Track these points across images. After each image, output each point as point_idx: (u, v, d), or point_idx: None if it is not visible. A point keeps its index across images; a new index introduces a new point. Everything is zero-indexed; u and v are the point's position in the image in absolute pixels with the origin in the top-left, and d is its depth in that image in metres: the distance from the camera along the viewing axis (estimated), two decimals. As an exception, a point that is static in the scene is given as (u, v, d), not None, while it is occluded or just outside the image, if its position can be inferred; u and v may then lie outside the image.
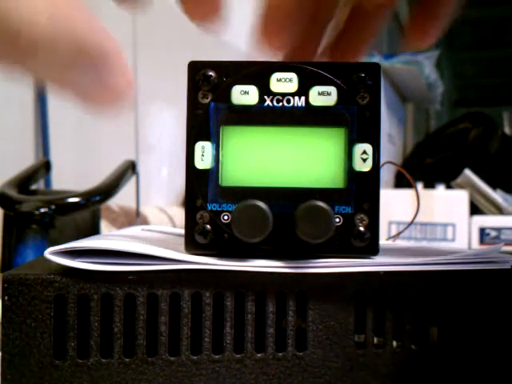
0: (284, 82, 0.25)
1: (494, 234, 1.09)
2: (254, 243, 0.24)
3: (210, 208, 0.25)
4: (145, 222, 0.94)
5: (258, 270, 0.24)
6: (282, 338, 0.24)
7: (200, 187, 0.25)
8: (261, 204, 0.23)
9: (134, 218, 0.91)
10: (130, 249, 0.23)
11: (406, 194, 1.12)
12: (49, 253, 0.23)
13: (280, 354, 0.24)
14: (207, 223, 0.25)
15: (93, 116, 0.19)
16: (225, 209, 0.25)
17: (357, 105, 0.25)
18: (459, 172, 1.25)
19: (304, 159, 0.25)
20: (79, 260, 0.23)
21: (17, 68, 0.17)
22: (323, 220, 0.23)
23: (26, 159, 0.80)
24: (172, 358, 0.24)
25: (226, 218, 0.25)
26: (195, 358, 0.24)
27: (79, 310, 0.23)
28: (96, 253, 0.24)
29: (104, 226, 0.83)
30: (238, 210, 0.23)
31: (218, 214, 0.25)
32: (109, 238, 0.27)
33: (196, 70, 0.25)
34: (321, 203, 0.23)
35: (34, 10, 0.16)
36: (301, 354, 0.24)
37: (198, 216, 0.25)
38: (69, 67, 0.17)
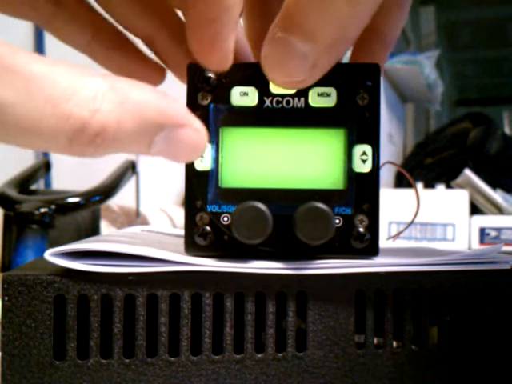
0: None
1: (494, 233, 1.09)
2: (253, 245, 0.24)
3: (209, 209, 0.25)
4: (145, 222, 0.94)
5: (258, 271, 0.24)
6: (282, 339, 0.24)
7: (200, 189, 0.25)
8: (261, 205, 0.23)
9: (134, 218, 0.91)
10: (130, 251, 0.23)
11: (406, 193, 1.12)
12: (49, 254, 0.23)
13: (280, 355, 0.24)
14: (207, 225, 0.25)
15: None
16: (225, 210, 0.25)
17: (356, 106, 0.25)
18: (459, 172, 1.25)
19: (304, 160, 0.25)
20: (79, 262, 0.23)
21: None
22: (323, 221, 0.23)
23: (26, 159, 0.80)
24: (172, 359, 0.24)
25: (225, 219, 0.25)
26: (195, 358, 0.24)
27: (79, 310, 0.23)
28: (96, 254, 0.24)
29: (104, 225, 0.83)
30: (237, 211, 0.23)
31: (217, 215, 0.25)
32: (108, 239, 0.27)
33: (195, 71, 0.25)
34: (320, 204, 0.23)
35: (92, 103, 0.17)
36: (301, 354, 0.24)
37: (198, 217, 0.25)
38: (142, 146, 0.18)
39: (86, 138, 0.17)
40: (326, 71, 0.21)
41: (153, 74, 0.26)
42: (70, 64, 0.17)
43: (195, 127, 0.19)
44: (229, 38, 0.21)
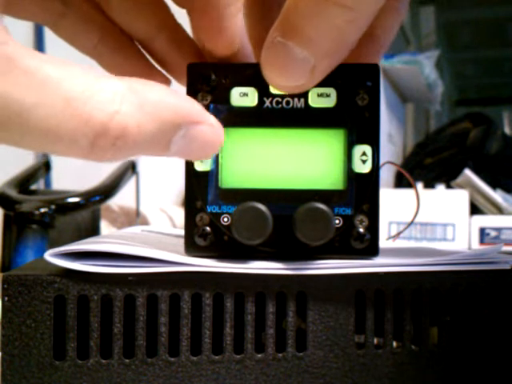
0: None
1: (494, 233, 1.09)
2: (253, 245, 0.24)
3: (209, 210, 0.25)
4: (145, 221, 0.94)
5: (258, 272, 0.24)
6: (282, 339, 0.24)
7: (200, 189, 0.25)
8: (260, 206, 0.23)
9: (134, 217, 0.91)
10: (131, 251, 0.23)
11: (406, 193, 1.12)
12: (49, 255, 0.23)
13: (280, 355, 0.24)
14: (207, 225, 0.25)
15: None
16: (224, 211, 0.25)
17: (356, 106, 0.25)
18: (459, 172, 1.26)
19: (303, 161, 0.25)
20: (79, 262, 0.23)
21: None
22: (323, 222, 0.23)
23: (26, 159, 0.80)
24: (172, 359, 0.24)
25: (225, 220, 0.25)
26: (195, 358, 0.24)
27: (79, 310, 0.23)
28: (96, 254, 0.24)
29: (104, 225, 0.83)
30: (237, 212, 0.23)
31: (217, 216, 0.25)
32: (109, 239, 0.27)
33: (195, 71, 0.25)
34: (320, 205, 0.23)
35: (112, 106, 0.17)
36: (301, 354, 0.24)
37: (198, 218, 0.25)
38: (161, 146, 0.19)
39: (107, 142, 0.17)
40: (326, 75, 0.22)
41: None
42: (83, 66, 0.17)
43: (210, 123, 0.19)
44: (233, 20, 0.21)
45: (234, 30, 0.22)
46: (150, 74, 0.26)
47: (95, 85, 0.17)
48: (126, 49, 0.26)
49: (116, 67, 0.26)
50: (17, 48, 0.16)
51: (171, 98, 0.18)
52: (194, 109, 0.19)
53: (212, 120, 0.20)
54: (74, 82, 0.16)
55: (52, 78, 0.16)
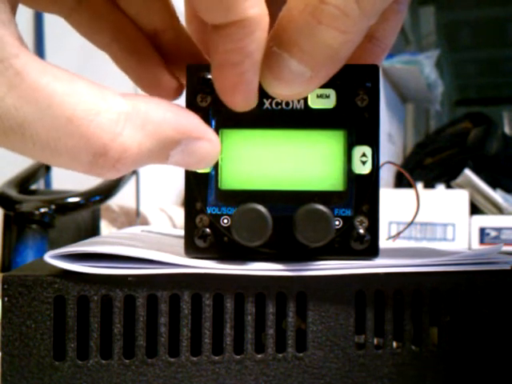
0: None
1: (494, 233, 1.09)
2: (253, 246, 0.24)
3: (209, 211, 0.25)
4: (145, 222, 0.94)
5: (258, 273, 0.24)
6: (282, 339, 0.24)
7: (199, 191, 0.25)
8: (260, 207, 0.23)
9: (134, 218, 0.91)
10: (130, 253, 0.23)
11: (406, 193, 1.12)
12: (49, 256, 0.23)
13: (280, 355, 0.24)
14: (207, 227, 0.25)
15: None
16: (224, 212, 0.25)
17: (356, 107, 0.25)
18: (459, 172, 1.26)
19: (303, 162, 0.25)
20: (79, 263, 0.23)
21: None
22: (323, 223, 0.23)
23: (26, 159, 0.80)
24: (172, 359, 0.24)
25: (225, 221, 0.25)
26: (195, 359, 0.24)
27: (79, 311, 0.23)
28: (96, 255, 0.24)
29: (104, 225, 0.83)
30: (237, 213, 0.23)
31: (217, 217, 0.25)
32: (109, 240, 0.27)
33: (194, 73, 0.25)
34: (320, 206, 0.23)
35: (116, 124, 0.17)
36: (301, 354, 0.24)
37: (198, 219, 0.25)
38: (160, 160, 0.19)
39: (107, 162, 0.17)
40: (324, 83, 0.22)
41: (168, 89, 0.26)
42: (88, 81, 0.17)
43: (209, 138, 0.20)
44: (252, 80, 0.21)
45: (252, 90, 0.21)
46: (160, 76, 0.26)
47: (101, 104, 0.17)
48: (139, 51, 0.26)
49: (128, 69, 0.26)
50: (28, 61, 0.17)
51: (172, 115, 0.19)
52: (194, 125, 0.20)
53: (211, 135, 0.20)
54: (81, 99, 0.17)
55: (57, 94, 0.17)
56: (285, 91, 0.21)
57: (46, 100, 0.16)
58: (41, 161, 0.18)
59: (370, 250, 0.25)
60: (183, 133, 0.19)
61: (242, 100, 0.21)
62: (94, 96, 0.17)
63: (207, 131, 0.20)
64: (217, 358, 0.24)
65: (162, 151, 0.19)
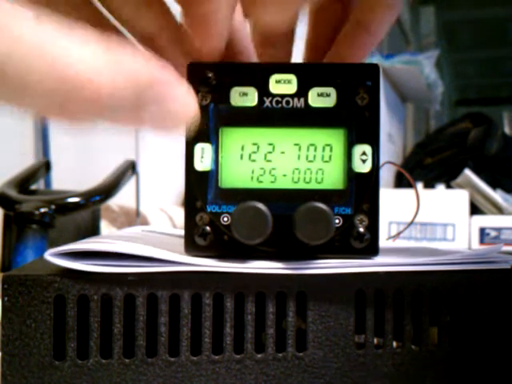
0: (283, 84, 0.25)
1: (494, 233, 1.09)
2: (253, 245, 0.24)
3: (209, 210, 0.25)
4: (145, 221, 0.94)
5: (258, 271, 0.24)
6: (282, 339, 0.24)
7: (199, 189, 0.25)
8: (260, 206, 0.23)
9: (134, 217, 0.91)
10: (131, 251, 0.23)
11: (406, 193, 1.12)
12: (49, 254, 0.23)
13: (280, 355, 0.24)
14: (207, 225, 0.25)
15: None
16: (224, 210, 0.25)
17: (356, 106, 0.25)
18: (459, 172, 1.26)
19: (303, 160, 0.25)
20: (79, 262, 0.23)
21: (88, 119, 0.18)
22: (323, 221, 0.23)
23: (26, 159, 0.80)
24: (172, 359, 0.24)
25: (225, 219, 0.25)
26: (195, 358, 0.24)
27: (79, 310, 0.23)
28: (96, 254, 0.24)
29: (104, 225, 0.83)
30: (237, 211, 0.23)
31: (217, 215, 0.25)
32: (109, 239, 0.27)
33: (195, 71, 0.25)
34: (320, 204, 0.23)
35: (96, 65, 0.17)
36: (301, 354, 0.24)
37: (198, 218, 0.25)
38: (134, 111, 0.19)
39: (81, 97, 0.17)
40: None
41: None
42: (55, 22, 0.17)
43: (185, 89, 0.19)
44: (221, 20, 0.21)
45: (221, 33, 0.22)
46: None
47: (75, 43, 0.17)
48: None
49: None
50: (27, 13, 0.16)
51: (146, 61, 0.19)
52: (168, 73, 0.19)
53: (184, 83, 0.20)
54: (57, 40, 0.17)
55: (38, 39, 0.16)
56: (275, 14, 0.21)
57: (19, 37, 0.16)
58: (11, 101, 0.18)
59: (370, 248, 0.25)
60: (156, 76, 0.19)
61: (209, 42, 0.21)
62: (68, 39, 0.17)
63: (183, 81, 0.20)
64: (217, 357, 0.24)
65: (136, 97, 0.18)
